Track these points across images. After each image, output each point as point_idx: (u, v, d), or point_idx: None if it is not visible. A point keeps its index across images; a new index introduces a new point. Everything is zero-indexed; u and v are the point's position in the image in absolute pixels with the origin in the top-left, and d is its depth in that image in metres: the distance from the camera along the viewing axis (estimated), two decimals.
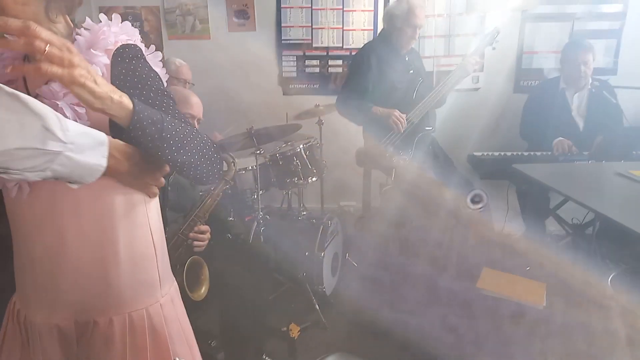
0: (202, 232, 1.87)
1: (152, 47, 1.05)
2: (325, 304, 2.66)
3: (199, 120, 1.99)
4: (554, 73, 3.39)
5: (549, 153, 2.96)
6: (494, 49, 2.95)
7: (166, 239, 1.79)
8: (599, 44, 3.52)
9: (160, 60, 1.05)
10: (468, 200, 2.52)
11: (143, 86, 0.95)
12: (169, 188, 1.94)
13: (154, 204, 1.07)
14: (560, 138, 2.96)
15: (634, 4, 3.49)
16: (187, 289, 1.69)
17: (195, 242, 1.85)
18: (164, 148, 0.90)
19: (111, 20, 0.98)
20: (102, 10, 3.73)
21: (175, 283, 1.18)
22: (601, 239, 2.97)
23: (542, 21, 3.59)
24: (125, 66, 0.94)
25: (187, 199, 2.02)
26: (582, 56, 3.01)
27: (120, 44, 0.95)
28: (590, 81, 3.04)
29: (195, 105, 1.97)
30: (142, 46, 1.00)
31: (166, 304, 1.08)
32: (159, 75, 1.01)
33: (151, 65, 1.00)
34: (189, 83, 3.17)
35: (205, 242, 1.89)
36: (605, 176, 2.18)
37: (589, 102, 3.09)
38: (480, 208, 2.49)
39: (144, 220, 1.03)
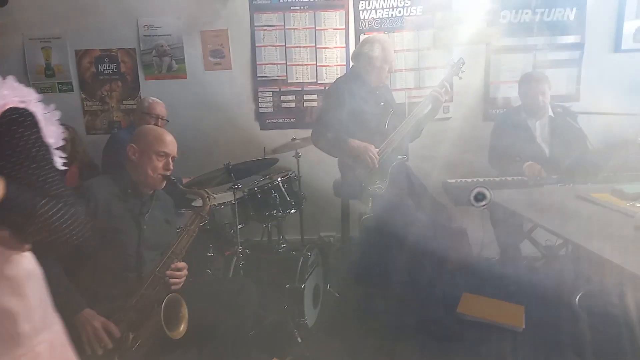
0: (179, 270, 1.86)
1: (52, 106, 1.05)
2: (308, 337, 2.64)
3: (173, 157, 2.00)
4: (520, 102, 3.54)
5: (521, 178, 3.05)
6: (460, 78, 3.08)
7: (142, 279, 1.80)
8: (561, 73, 3.71)
9: (57, 119, 1.05)
10: (471, 198, 2.55)
11: (25, 158, 0.95)
12: (145, 227, 1.94)
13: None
14: (530, 162, 3.06)
15: (590, 34, 3.70)
16: (165, 328, 1.68)
17: (172, 280, 1.84)
18: (31, 231, 0.92)
19: (4, 80, 0.98)
20: (78, 53, 3.78)
21: (58, 326, 1.14)
22: (575, 260, 3.05)
23: (506, 53, 3.76)
24: (10, 134, 0.93)
25: (164, 236, 2.02)
26: (537, 87, 3.16)
27: (8, 107, 0.94)
28: (550, 109, 3.18)
29: (170, 143, 1.99)
30: (39, 107, 1.00)
31: (44, 352, 1.05)
32: (46, 146, 1.00)
33: (48, 123, 1.01)
34: (162, 119, 3.21)
35: (182, 280, 1.88)
36: (569, 200, 2.26)
37: (552, 128, 3.22)
38: (484, 206, 2.53)
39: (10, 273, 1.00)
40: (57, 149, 1.04)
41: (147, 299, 1.77)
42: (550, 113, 3.18)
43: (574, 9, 3.67)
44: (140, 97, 3.74)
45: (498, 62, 3.78)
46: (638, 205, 1.89)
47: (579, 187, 2.55)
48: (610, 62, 3.73)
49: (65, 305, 1.67)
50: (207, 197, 1.96)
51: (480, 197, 2.53)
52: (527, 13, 3.69)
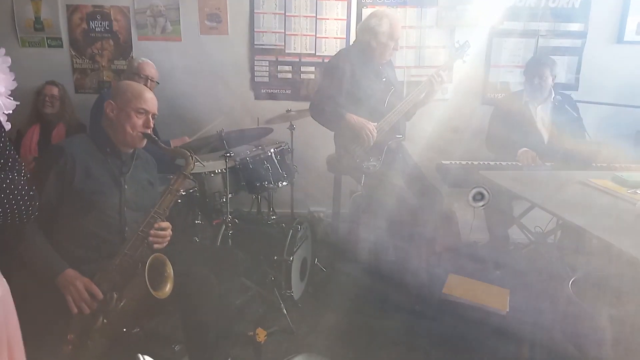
0: (163, 229, 1.81)
1: (2, 50, 0.99)
2: (293, 309, 2.64)
3: (153, 115, 1.92)
4: (519, 87, 3.52)
5: (515, 163, 3.04)
6: (464, 62, 3.04)
7: (126, 239, 1.75)
8: (562, 61, 3.68)
9: (8, 66, 0.99)
10: (470, 198, 2.54)
11: None
12: (126, 187, 1.88)
13: None
14: (525, 148, 3.05)
15: (594, 24, 3.66)
16: (150, 287, 1.64)
17: (155, 239, 1.79)
18: None
19: None
20: (69, 8, 3.64)
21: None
22: (563, 248, 3.08)
23: (508, 37, 3.71)
24: None
25: (147, 197, 1.97)
26: (544, 70, 3.13)
27: None
28: (554, 94, 3.16)
29: (150, 100, 1.91)
30: None
31: None
32: None
33: None
34: (152, 81, 3.13)
35: (167, 239, 1.84)
36: (568, 184, 2.25)
37: (553, 115, 3.21)
38: (482, 206, 2.53)
39: None
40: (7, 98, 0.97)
41: (131, 259, 1.73)
42: (553, 100, 3.16)
43: None
44: (132, 57, 3.63)
45: (500, 45, 3.73)
46: (638, 192, 1.88)
47: (576, 173, 2.54)
48: (612, 53, 3.70)
49: (46, 267, 1.65)
50: (190, 155, 1.89)
51: (478, 197, 2.53)
52: None
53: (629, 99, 3.35)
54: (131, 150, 1.96)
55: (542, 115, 3.22)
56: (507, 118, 3.23)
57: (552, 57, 3.34)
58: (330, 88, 2.84)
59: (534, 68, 3.18)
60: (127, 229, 1.86)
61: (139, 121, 1.88)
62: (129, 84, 1.98)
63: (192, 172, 2.84)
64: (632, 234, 1.64)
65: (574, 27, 3.69)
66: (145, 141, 1.92)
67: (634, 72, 3.68)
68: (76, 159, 1.77)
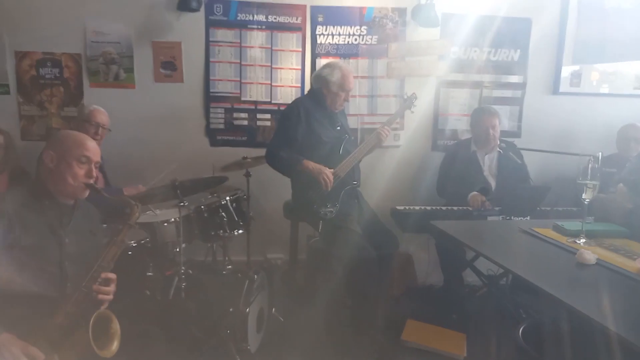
0: (108, 282, 1.72)
1: None
2: None
3: (96, 163, 1.86)
4: (467, 134, 3.69)
5: (465, 208, 3.15)
6: (412, 112, 3.19)
7: (67, 296, 1.66)
8: (504, 110, 3.91)
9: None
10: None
11: None
12: (67, 240, 1.78)
13: None
14: (475, 193, 3.17)
15: (531, 76, 3.94)
16: (94, 347, 1.55)
17: (100, 296, 1.69)
18: None
19: None
20: (17, 55, 3.56)
21: None
22: (515, 290, 3.17)
23: (454, 87, 3.92)
24: None
25: (89, 248, 1.85)
26: (488, 121, 3.31)
27: None
28: (499, 142, 3.33)
29: (92, 148, 1.83)
30: None
31: None
32: None
33: None
34: (103, 128, 3.07)
35: (111, 294, 1.75)
36: (512, 233, 2.34)
37: (499, 163, 3.37)
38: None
39: None
40: None
41: (73, 317, 1.63)
42: (498, 148, 3.32)
43: (518, 50, 3.90)
44: (83, 104, 3.55)
45: (447, 95, 3.92)
46: (578, 242, 1.97)
47: (521, 221, 2.66)
48: (549, 103, 3.98)
49: None
50: (135, 205, 1.83)
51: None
52: (475, 51, 3.88)
53: (566, 145, 3.60)
54: (72, 201, 1.87)
55: (488, 163, 3.38)
56: (456, 165, 3.36)
57: (495, 106, 3.54)
58: (286, 134, 2.88)
59: (480, 118, 3.36)
60: (68, 284, 1.76)
61: (81, 171, 1.79)
62: (69, 132, 1.91)
63: (144, 221, 2.79)
64: (572, 283, 1.70)
65: (515, 78, 3.95)
66: (87, 191, 1.84)
67: (569, 121, 3.95)
68: (11, 213, 1.67)
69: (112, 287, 1.75)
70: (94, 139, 2.99)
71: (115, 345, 1.65)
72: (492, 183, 3.34)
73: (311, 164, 2.80)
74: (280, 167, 2.94)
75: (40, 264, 1.70)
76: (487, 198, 3.15)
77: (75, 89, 3.64)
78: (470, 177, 3.30)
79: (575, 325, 1.55)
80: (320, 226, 2.86)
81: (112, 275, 1.75)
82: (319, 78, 2.98)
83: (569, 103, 3.98)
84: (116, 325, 1.68)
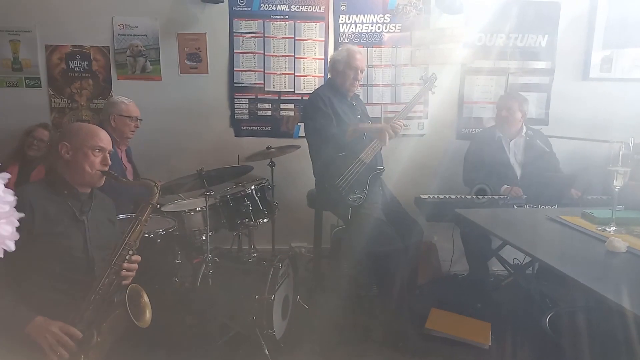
0: (133, 262, 1.79)
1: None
2: (275, 349, 2.59)
3: (109, 152, 1.94)
4: (492, 122, 3.63)
5: (490, 197, 3.10)
6: (433, 93, 3.16)
7: (96, 277, 1.72)
8: (531, 97, 3.82)
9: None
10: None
11: None
12: (88, 228, 1.85)
13: None
14: (506, 186, 3.13)
15: (560, 62, 3.84)
16: (132, 318, 1.61)
17: (127, 273, 1.76)
18: None
19: None
20: (48, 48, 3.66)
21: None
22: (541, 279, 3.12)
23: (480, 74, 3.86)
24: None
25: (110, 236, 1.93)
26: (503, 102, 3.28)
27: None
28: (525, 129, 3.27)
29: (105, 138, 1.91)
30: None
31: None
32: None
33: None
34: (139, 119, 3.12)
35: (134, 273, 1.81)
36: (539, 221, 2.30)
37: (525, 149, 3.31)
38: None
39: None
40: None
41: (105, 294, 1.69)
42: (524, 135, 3.26)
43: (546, 36, 3.80)
44: (112, 96, 3.63)
45: (472, 82, 3.87)
46: (608, 230, 1.93)
47: (548, 209, 2.61)
48: (578, 89, 3.87)
49: (12, 319, 1.59)
50: (155, 185, 1.90)
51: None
52: (501, 37, 3.80)
53: (596, 133, 3.49)
54: (89, 191, 1.94)
55: (514, 149, 3.33)
56: (482, 153, 3.32)
57: (522, 93, 3.48)
58: (321, 117, 2.89)
59: (499, 102, 3.33)
60: (95, 267, 1.82)
61: (97, 159, 1.87)
62: (81, 124, 1.99)
63: (172, 210, 2.85)
64: (600, 271, 1.67)
65: (542, 64, 3.86)
66: (104, 179, 1.91)
67: (599, 108, 3.84)
68: (34, 205, 1.74)
69: (136, 266, 1.81)
70: (132, 131, 3.07)
71: (148, 316, 1.71)
72: (518, 170, 3.29)
73: (365, 125, 2.91)
74: (328, 141, 2.87)
75: (67, 250, 1.77)
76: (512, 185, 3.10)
77: (104, 81, 3.73)
78: (496, 164, 3.25)
79: (603, 314, 1.52)
80: (350, 213, 2.85)
81: (138, 257, 1.82)
82: (330, 63, 3.02)
83: (600, 89, 3.87)
84: (146, 298, 1.75)
